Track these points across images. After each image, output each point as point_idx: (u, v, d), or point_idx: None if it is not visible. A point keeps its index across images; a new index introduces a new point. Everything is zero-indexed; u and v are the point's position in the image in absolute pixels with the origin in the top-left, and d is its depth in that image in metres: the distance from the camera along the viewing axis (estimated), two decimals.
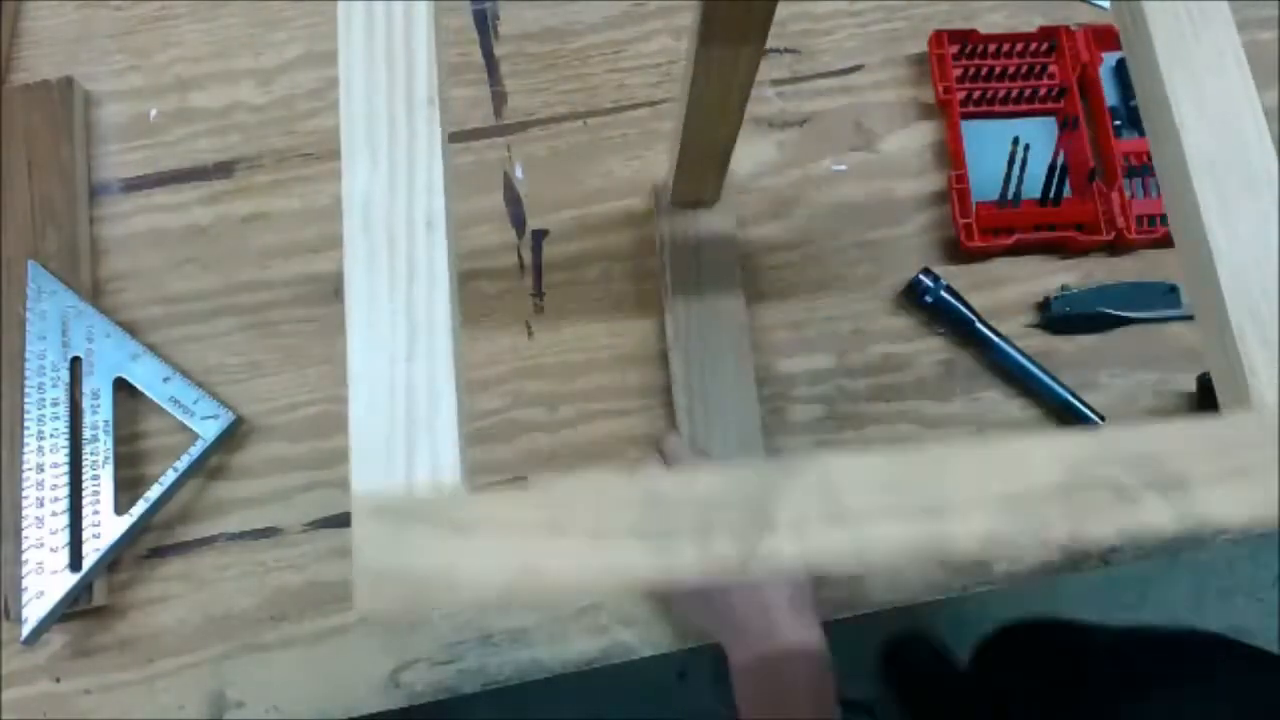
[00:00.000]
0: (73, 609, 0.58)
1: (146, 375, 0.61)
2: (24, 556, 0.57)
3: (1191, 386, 0.64)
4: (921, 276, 0.64)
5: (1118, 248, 0.67)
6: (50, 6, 0.72)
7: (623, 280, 0.66)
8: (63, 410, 0.60)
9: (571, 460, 0.62)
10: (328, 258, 0.66)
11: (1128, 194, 0.66)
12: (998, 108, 0.69)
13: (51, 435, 0.59)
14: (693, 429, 0.60)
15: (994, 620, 0.92)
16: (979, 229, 0.65)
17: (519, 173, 0.69)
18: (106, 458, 0.59)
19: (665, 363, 0.63)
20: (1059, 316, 0.65)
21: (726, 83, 0.49)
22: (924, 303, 0.64)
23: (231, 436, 0.62)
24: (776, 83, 0.71)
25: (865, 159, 0.69)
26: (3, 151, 0.66)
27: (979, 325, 0.64)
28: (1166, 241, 0.66)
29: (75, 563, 0.57)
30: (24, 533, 0.57)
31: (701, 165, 0.59)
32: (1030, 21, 0.72)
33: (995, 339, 0.64)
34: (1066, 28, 0.70)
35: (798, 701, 0.44)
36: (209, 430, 0.60)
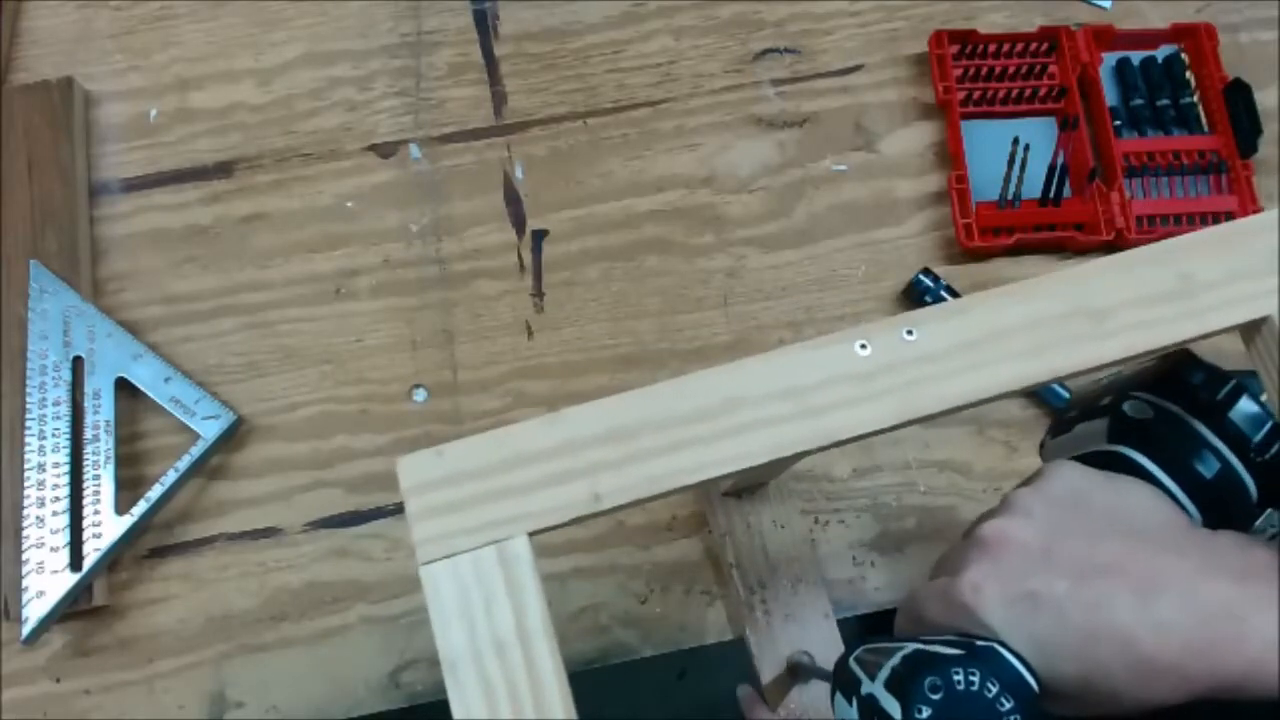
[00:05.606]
0: (73, 609, 0.58)
1: (148, 375, 0.61)
2: (24, 556, 0.57)
3: None
4: (921, 276, 0.64)
5: (1118, 248, 0.67)
6: (50, 6, 0.72)
7: (623, 280, 0.66)
8: (64, 410, 0.60)
9: None
10: (328, 258, 0.66)
11: (1128, 194, 0.66)
12: (998, 108, 0.69)
13: (53, 435, 0.59)
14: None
15: None
16: (979, 229, 0.65)
17: (519, 173, 0.69)
18: (107, 457, 0.59)
19: (664, 363, 0.64)
20: None
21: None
22: (924, 303, 0.64)
23: (232, 436, 0.62)
24: (776, 83, 0.71)
25: (865, 159, 0.69)
26: (3, 151, 0.66)
27: None
28: None
29: (75, 562, 0.57)
30: (24, 532, 0.57)
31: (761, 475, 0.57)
32: (1030, 21, 0.72)
33: None
34: (1066, 28, 0.70)
35: None
36: (210, 430, 0.60)
